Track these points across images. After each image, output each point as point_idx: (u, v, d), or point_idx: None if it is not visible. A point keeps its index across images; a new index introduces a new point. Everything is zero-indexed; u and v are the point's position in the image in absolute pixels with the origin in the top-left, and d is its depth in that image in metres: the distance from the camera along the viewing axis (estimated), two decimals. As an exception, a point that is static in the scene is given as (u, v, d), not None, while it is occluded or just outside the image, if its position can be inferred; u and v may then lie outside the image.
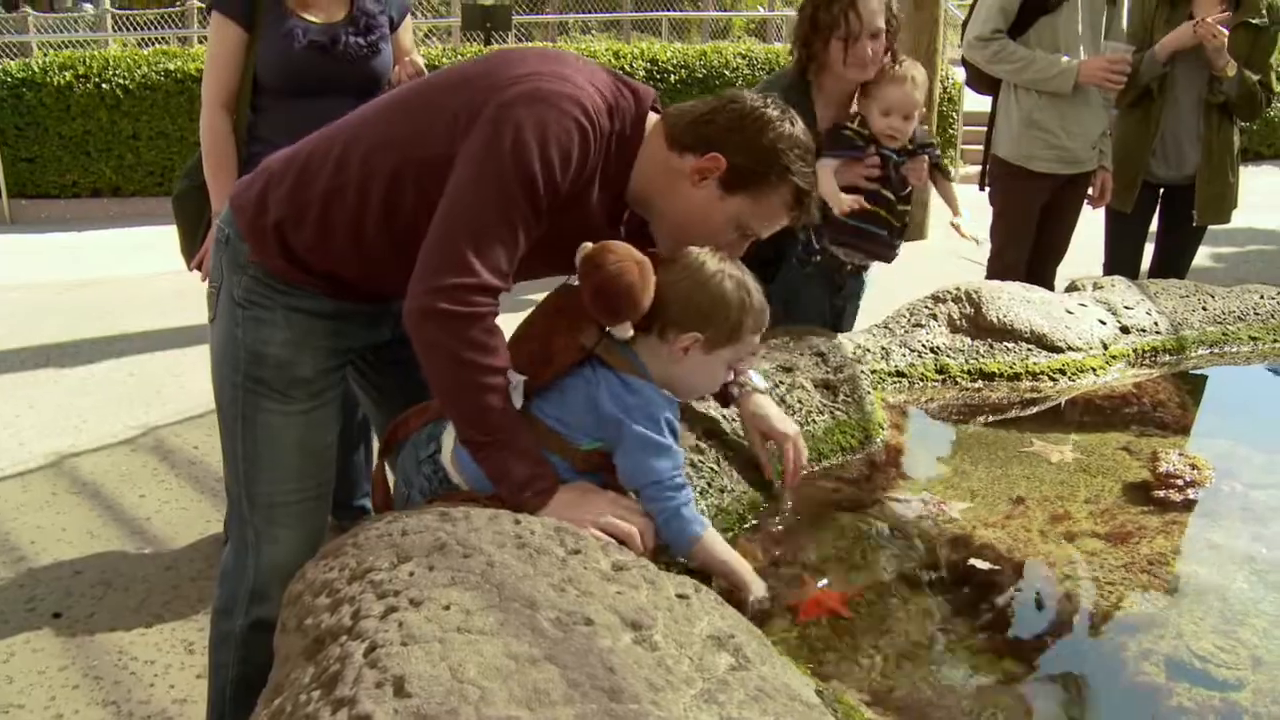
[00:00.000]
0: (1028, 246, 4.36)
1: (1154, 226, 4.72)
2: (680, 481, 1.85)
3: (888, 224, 3.19)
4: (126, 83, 9.69)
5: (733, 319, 1.89)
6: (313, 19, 3.03)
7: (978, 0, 4.24)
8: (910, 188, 3.22)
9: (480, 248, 1.76)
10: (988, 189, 4.53)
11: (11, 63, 10.20)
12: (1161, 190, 4.58)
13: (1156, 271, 4.62)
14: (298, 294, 2.07)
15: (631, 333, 1.89)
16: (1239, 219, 4.65)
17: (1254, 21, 4.27)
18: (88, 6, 17.91)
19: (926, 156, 3.21)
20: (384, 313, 2.21)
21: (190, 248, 3.26)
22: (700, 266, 1.91)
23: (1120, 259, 4.63)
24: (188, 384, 5.20)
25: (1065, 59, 4.07)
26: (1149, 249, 4.77)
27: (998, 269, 4.27)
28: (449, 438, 1.92)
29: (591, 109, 1.83)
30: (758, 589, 1.87)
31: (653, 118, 1.99)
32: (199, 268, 3.21)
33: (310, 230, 2.00)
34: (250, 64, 3.02)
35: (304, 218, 1.99)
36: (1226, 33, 4.16)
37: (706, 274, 1.90)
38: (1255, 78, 4.26)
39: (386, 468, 2.12)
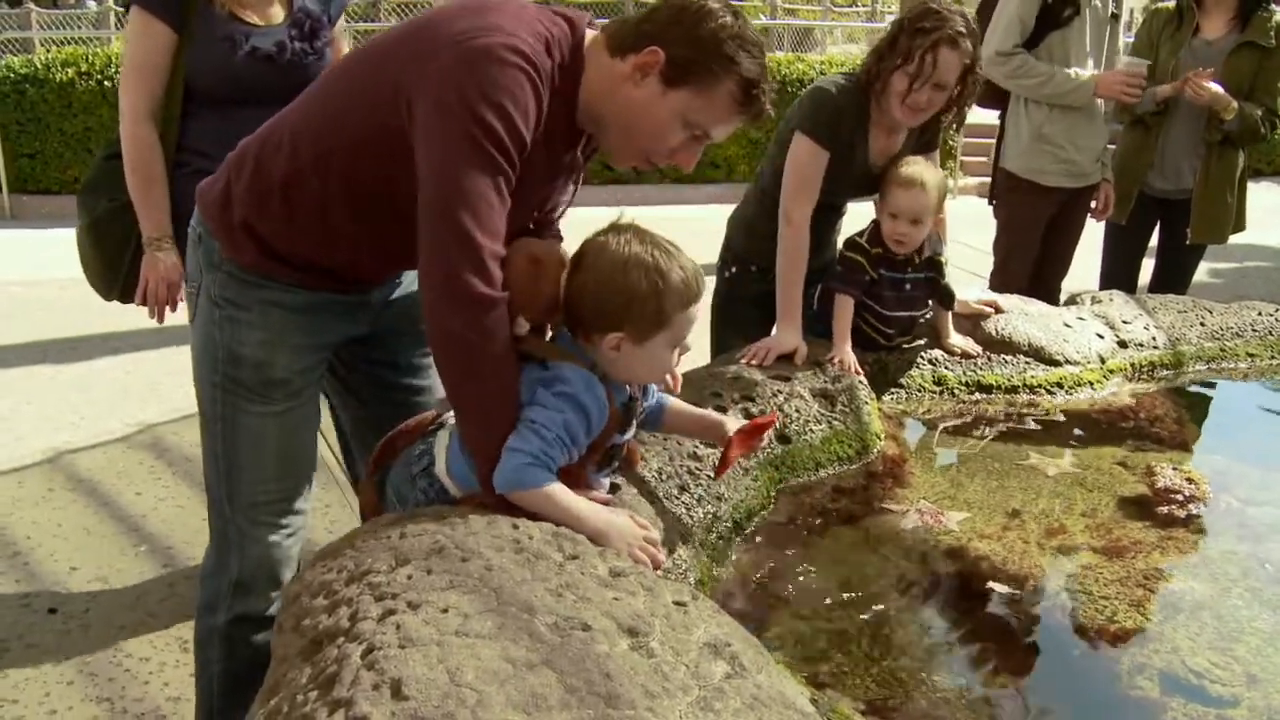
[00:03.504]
0: (1031, 260, 4.36)
1: (1155, 241, 4.72)
2: (549, 436, 1.74)
3: (881, 345, 3.15)
4: (129, 80, 9.70)
5: (650, 308, 1.79)
6: (252, 20, 2.77)
7: (995, 16, 4.22)
8: (913, 317, 3.14)
9: (477, 216, 1.73)
10: (993, 203, 4.54)
11: (14, 59, 10.16)
12: (1162, 204, 4.56)
13: (1157, 286, 4.60)
14: (273, 287, 2.05)
15: (525, 327, 1.87)
16: (1236, 235, 4.64)
17: (1261, 43, 4.25)
18: (91, 3, 17.90)
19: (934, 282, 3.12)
20: (361, 304, 2.19)
21: (111, 276, 3.00)
22: (602, 263, 1.82)
23: (1116, 272, 4.62)
24: (185, 382, 5.13)
25: (1080, 73, 4.08)
26: (1149, 263, 4.77)
27: (1000, 282, 4.26)
28: (442, 449, 1.90)
29: (529, 51, 1.79)
30: (616, 541, 1.72)
31: (591, 35, 1.94)
32: (124, 298, 3.01)
33: (276, 217, 1.99)
34: (179, 69, 2.72)
35: (267, 207, 1.98)
36: (1218, 89, 4.15)
37: (610, 268, 1.80)
38: (1256, 112, 4.24)
39: (375, 487, 2.08)
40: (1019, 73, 4.08)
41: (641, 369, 1.88)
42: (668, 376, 2.05)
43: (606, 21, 1.97)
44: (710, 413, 2.17)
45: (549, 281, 1.85)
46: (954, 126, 3.23)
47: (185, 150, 2.79)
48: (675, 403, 2.13)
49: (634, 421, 1.97)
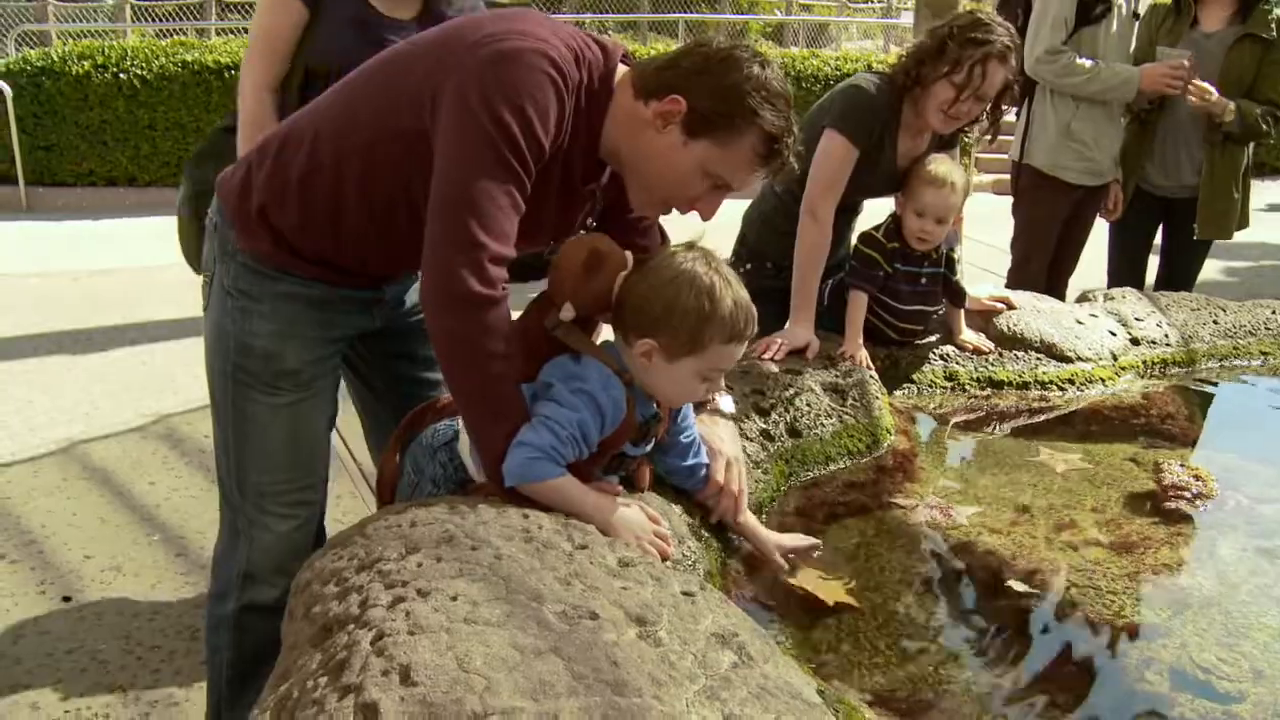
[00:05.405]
0: (1049, 257, 4.36)
1: (1160, 239, 4.69)
2: (562, 434, 1.74)
3: (894, 340, 3.16)
4: (144, 73, 9.72)
5: (688, 327, 1.78)
6: (380, 10, 2.65)
7: (1036, 17, 4.19)
8: (927, 312, 3.14)
9: (482, 218, 1.73)
10: (1013, 200, 4.52)
11: (31, 51, 10.24)
12: (1164, 204, 4.52)
13: (1163, 284, 4.56)
14: (287, 280, 2.05)
15: (571, 314, 1.85)
16: (1251, 234, 4.61)
17: (1263, 35, 4.20)
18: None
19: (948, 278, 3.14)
20: (375, 300, 2.20)
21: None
22: (660, 270, 1.83)
23: (1123, 271, 4.60)
24: (200, 373, 5.13)
25: (1122, 68, 4.07)
26: (1154, 261, 4.74)
27: (1020, 279, 4.24)
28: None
29: (558, 59, 1.79)
30: (625, 533, 1.74)
31: (623, 70, 1.91)
32: None
33: (292, 211, 1.99)
34: (304, 48, 2.63)
35: (285, 199, 1.99)
36: (1214, 92, 4.09)
37: (664, 278, 1.81)
38: (1256, 109, 4.16)
39: (397, 458, 2.11)
40: (1067, 70, 4.08)
41: (667, 387, 1.88)
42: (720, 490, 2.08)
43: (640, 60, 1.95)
44: (764, 536, 2.12)
45: (605, 277, 1.84)
46: (989, 139, 3.22)
47: None
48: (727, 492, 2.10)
49: (651, 440, 1.97)
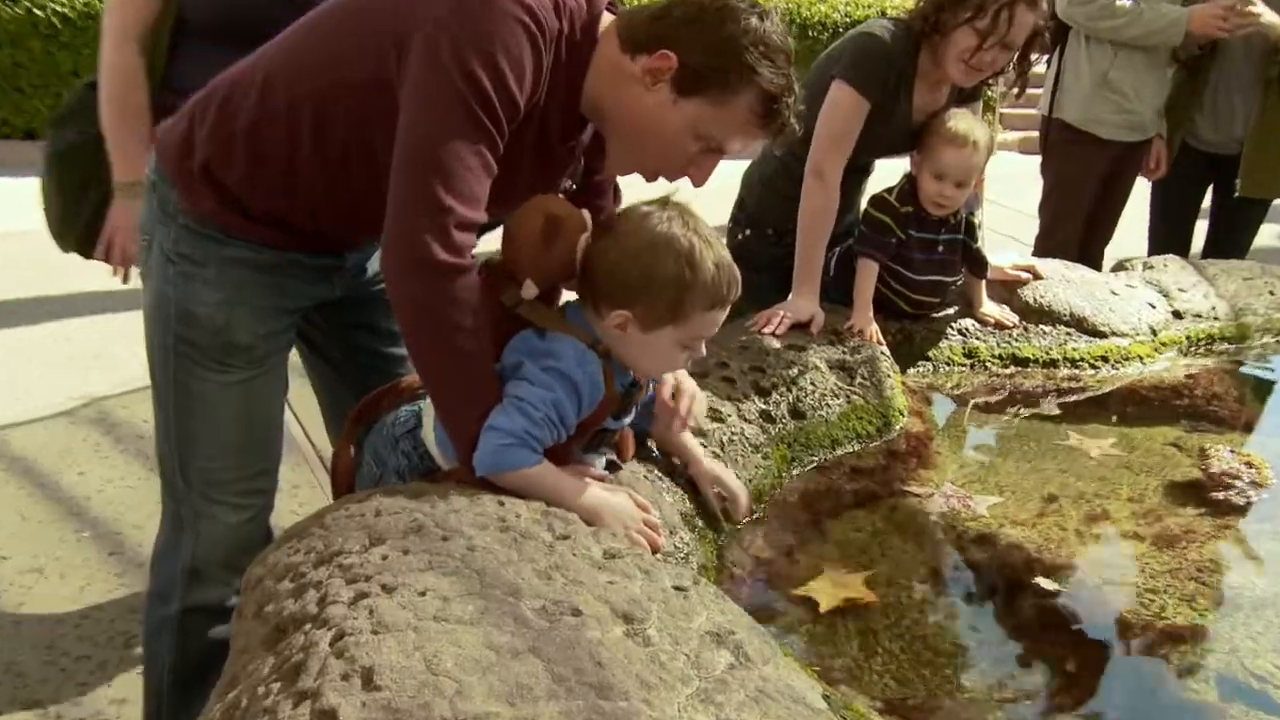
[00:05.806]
0: (1081, 222, 4.36)
1: (1209, 201, 4.70)
2: (536, 415, 1.76)
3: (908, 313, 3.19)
4: (65, 9, 9.60)
5: (668, 297, 1.80)
6: None
7: None
8: (944, 282, 3.16)
9: (448, 180, 1.74)
10: (1041, 158, 4.53)
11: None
12: (1213, 161, 4.52)
13: (1210, 251, 4.57)
14: (235, 244, 2.06)
15: (535, 291, 1.87)
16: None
17: None
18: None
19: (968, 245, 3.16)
20: (334, 267, 2.21)
21: (68, 221, 2.80)
22: (633, 234, 1.84)
23: (1166, 236, 4.61)
24: (137, 350, 5.12)
25: (1168, 8, 4.06)
26: (1202, 226, 4.74)
27: (1049, 246, 4.25)
28: (430, 412, 1.92)
29: (535, 5, 1.79)
30: (611, 521, 1.76)
31: (608, 18, 1.93)
32: (84, 251, 2.80)
33: (240, 166, 1.99)
34: None
35: (232, 153, 1.99)
36: (1259, 11, 4.08)
37: (639, 242, 1.82)
38: None
39: (352, 449, 2.11)
40: (1105, 12, 4.06)
41: (644, 359, 1.90)
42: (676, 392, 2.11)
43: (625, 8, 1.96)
44: (700, 460, 2.18)
45: (564, 244, 1.86)
46: (1016, 92, 3.22)
47: (170, 91, 2.57)
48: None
49: (632, 409, 1.99)
